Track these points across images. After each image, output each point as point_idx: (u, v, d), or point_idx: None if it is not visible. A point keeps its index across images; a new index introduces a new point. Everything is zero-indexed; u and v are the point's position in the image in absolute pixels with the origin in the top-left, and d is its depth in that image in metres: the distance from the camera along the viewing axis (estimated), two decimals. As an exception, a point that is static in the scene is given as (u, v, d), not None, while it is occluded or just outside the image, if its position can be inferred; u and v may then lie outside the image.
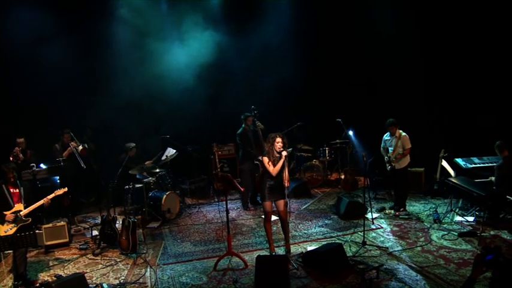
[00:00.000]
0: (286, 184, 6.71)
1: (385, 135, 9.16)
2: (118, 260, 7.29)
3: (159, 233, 8.68)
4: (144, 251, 7.58)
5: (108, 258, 7.39)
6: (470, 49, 10.66)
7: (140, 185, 9.34)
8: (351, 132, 11.57)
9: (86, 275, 6.40)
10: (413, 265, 6.52)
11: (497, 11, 10.13)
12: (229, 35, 11.59)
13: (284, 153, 6.67)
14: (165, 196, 9.19)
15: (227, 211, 6.90)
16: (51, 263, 7.28)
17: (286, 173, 6.73)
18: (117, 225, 7.89)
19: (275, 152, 6.78)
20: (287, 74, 11.73)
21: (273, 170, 6.76)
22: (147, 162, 9.87)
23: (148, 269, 6.85)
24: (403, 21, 11.24)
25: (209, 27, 11.41)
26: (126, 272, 6.80)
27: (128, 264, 7.11)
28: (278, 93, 11.96)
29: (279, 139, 6.77)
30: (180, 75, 11.26)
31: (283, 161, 6.68)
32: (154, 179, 9.78)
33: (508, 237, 7.46)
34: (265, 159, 6.82)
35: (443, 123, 11.12)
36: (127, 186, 9.06)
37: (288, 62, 11.88)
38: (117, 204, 9.13)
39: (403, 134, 8.83)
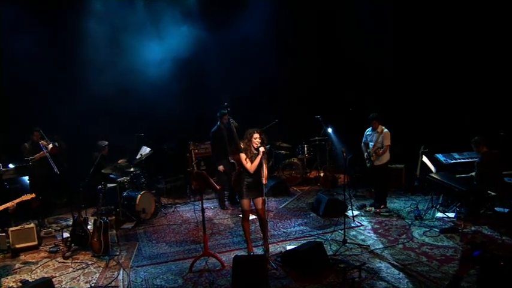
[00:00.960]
0: (263, 181, 6.47)
1: (367, 129, 9.01)
2: (89, 262, 6.96)
3: (133, 233, 8.37)
4: (117, 253, 7.26)
5: (79, 261, 7.05)
6: (449, 46, 10.65)
7: (113, 185, 9.01)
8: (330, 130, 11.41)
9: (54, 279, 6.14)
10: (395, 263, 6.36)
11: (478, 9, 10.08)
12: (206, 30, 11.39)
13: (261, 149, 6.44)
14: (139, 196, 8.89)
15: (203, 210, 6.63)
16: (17, 268, 6.89)
17: (264, 170, 6.50)
18: (89, 226, 7.56)
19: (253, 148, 6.57)
20: (265, 71, 11.59)
21: (251, 166, 6.54)
22: (120, 161, 9.55)
23: (121, 272, 6.54)
24: (382, 16, 11.13)
25: (185, 22, 11.18)
26: (97, 275, 6.48)
27: (99, 267, 6.79)
28: (256, 90, 11.79)
29: (256, 135, 6.55)
30: (155, 71, 11.01)
31: (261, 158, 6.46)
32: (128, 178, 9.44)
33: (489, 233, 7.38)
34: (243, 156, 6.59)
35: (423, 120, 11.03)
36: (100, 186, 8.70)
37: (265, 58, 11.72)
38: (90, 205, 8.86)
39: (385, 130, 8.68)
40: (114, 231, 8.30)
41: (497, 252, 3.98)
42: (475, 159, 8.66)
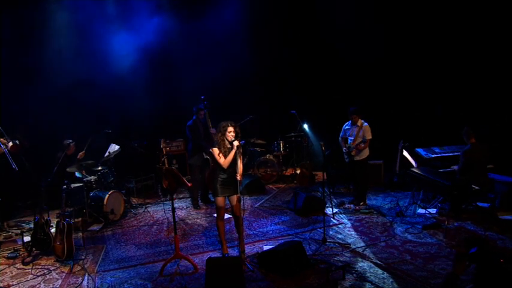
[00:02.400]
0: (238, 177, 6.08)
1: (346, 124, 8.70)
2: (52, 268, 6.44)
3: (101, 236, 7.87)
4: (83, 257, 6.77)
5: (40, 267, 6.52)
6: (428, 39, 10.48)
7: (79, 184, 8.49)
8: (305, 126, 11.06)
9: None
10: (378, 262, 6.04)
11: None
12: (176, 22, 10.90)
13: (235, 143, 6.06)
14: (107, 196, 8.39)
15: (173, 209, 6.19)
16: (-29, 276, 6.35)
17: (239, 166, 6.11)
18: (53, 229, 7.04)
19: (226, 142, 6.18)
20: (238, 65, 11.22)
21: (224, 161, 6.15)
22: (80, 154, 8.96)
23: (86, 277, 6.06)
24: (358, 10, 10.87)
25: (155, 14, 10.64)
26: (60, 281, 5.99)
27: (63, 272, 6.29)
28: (229, 84, 11.40)
29: (230, 128, 6.16)
30: (124, 65, 10.48)
31: (235, 152, 6.07)
32: (95, 177, 8.92)
33: (472, 228, 7.15)
34: (216, 151, 6.20)
35: (399, 114, 10.83)
36: (64, 186, 8.18)
37: (239, 52, 11.39)
38: (56, 206, 8.30)
39: (365, 124, 8.39)
40: (80, 234, 7.79)
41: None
42: (456, 153, 8.49)
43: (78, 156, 8.95)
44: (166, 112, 11.26)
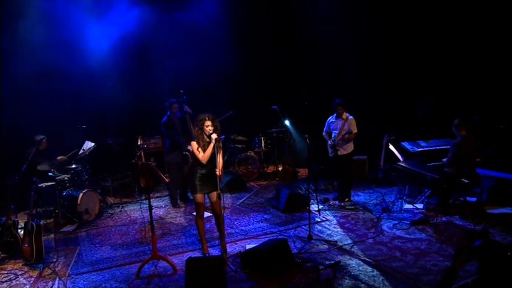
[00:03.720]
0: (218, 172, 5.74)
1: (330, 117, 8.41)
2: (19, 272, 6.01)
3: (74, 237, 7.42)
4: (54, 260, 6.33)
5: (6, 272, 6.05)
6: (407, 32, 10.33)
7: (51, 183, 8.03)
8: (287, 122, 10.72)
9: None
10: (367, 259, 5.77)
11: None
12: (155, 13, 10.39)
13: (214, 136, 5.72)
14: (81, 195, 7.95)
15: (150, 207, 5.81)
16: None
17: (219, 160, 5.77)
18: (21, 231, 6.61)
19: (205, 136, 5.84)
20: (219, 59, 10.83)
21: (203, 156, 5.81)
22: (59, 158, 8.55)
23: (56, 282, 5.67)
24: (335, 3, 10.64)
25: (136, 3, 10.18)
26: (28, 287, 5.57)
27: (31, 277, 5.86)
28: (209, 79, 10.97)
29: (208, 122, 5.83)
30: (100, 57, 9.97)
31: (214, 146, 5.73)
32: (69, 175, 8.46)
33: (461, 223, 6.95)
34: (194, 145, 5.85)
35: (382, 109, 10.62)
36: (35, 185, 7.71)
37: (219, 45, 11.01)
38: (26, 207, 7.76)
39: (350, 117, 8.12)
40: (52, 235, 7.39)
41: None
42: (442, 147, 8.31)
43: (57, 159, 8.48)
44: (144, 107, 10.74)
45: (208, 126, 5.82)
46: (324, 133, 8.47)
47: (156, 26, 10.44)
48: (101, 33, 9.93)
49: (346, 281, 5.18)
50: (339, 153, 8.13)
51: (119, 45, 10.06)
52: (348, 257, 5.85)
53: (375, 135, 9.29)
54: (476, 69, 9.65)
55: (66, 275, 5.87)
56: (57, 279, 5.72)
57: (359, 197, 8.81)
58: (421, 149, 8.34)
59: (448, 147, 7.83)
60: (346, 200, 8.35)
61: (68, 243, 7.12)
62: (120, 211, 8.81)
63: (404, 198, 8.02)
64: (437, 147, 8.40)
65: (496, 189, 7.82)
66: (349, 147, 8.16)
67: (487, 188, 7.79)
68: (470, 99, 9.67)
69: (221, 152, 5.90)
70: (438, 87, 10.17)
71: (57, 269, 6.02)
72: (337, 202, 8.39)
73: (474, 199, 7.62)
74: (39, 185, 7.37)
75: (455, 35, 9.81)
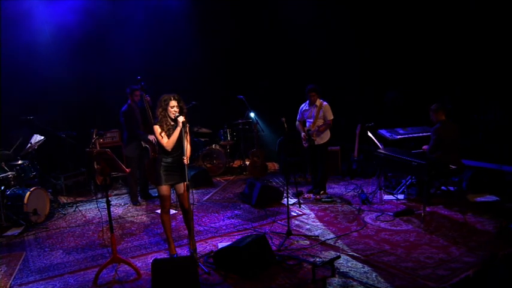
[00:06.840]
0: (185, 161, 5.06)
1: (303, 105, 7.84)
2: (-48, 284, 5.14)
3: (19, 241, 6.53)
4: (-6, 268, 5.49)
5: None
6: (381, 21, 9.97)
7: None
8: (252, 114, 10.07)
9: None
10: (355, 254, 5.22)
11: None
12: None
13: (180, 119, 5.03)
14: (28, 193, 7.06)
15: (108, 203, 5.04)
16: None
17: (186, 147, 5.09)
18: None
19: (169, 120, 5.15)
20: (179, 46, 10.21)
21: (168, 142, 5.13)
22: None
23: (-4, 293, 4.83)
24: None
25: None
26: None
27: (-34, 289, 5.00)
28: (170, 68, 10.27)
29: (173, 102, 5.14)
30: (48, 45, 9.11)
31: (181, 130, 5.04)
32: (13, 172, 7.54)
33: (446, 213, 6.56)
34: (157, 129, 5.16)
35: (354, 98, 10.22)
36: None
37: (180, 32, 10.38)
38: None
39: (324, 103, 7.58)
40: (-6, 240, 6.49)
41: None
42: (420, 134, 7.93)
43: None
44: (99, 99, 9.86)
45: (174, 107, 5.14)
46: (297, 122, 7.90)
47: (113, 9, 9.64)
48: (48, 18, 9.06)
49: (336, 279, 4.61)
50: (315, 143, 7.57)
51: (69, 32, 9.23)
52: (334, 253, 5.28)
53: (346, 125, 8.81)
54: (447, 57, 9.35)
55: (8, 286, 5.03)
56: (-2, 290, 4.91)
57: (334, 189, 8.30)
58: (400, 137, 7.90)
59: (426, 134, 7.48)
60: (322, 192, 7.82)
61: (12, 249, 6.21)
62: (74, 211, 7.95)
63: (383, 188, 7.56)
64: (416, 135, 8.00)
65: (475, 178, 7.58)
66: (326, 136, 7.62)
67: (466, 177, 7.51)
68: (440, 88, 9.39)
69: (188, 137, 5.23)
70: (407, 77, 9.83)
71: (-3, 279, 5.19)
72: (311, 195, 7.84)
73: (452, 188, 7.24)
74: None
75: (424, 25, 9.51)
